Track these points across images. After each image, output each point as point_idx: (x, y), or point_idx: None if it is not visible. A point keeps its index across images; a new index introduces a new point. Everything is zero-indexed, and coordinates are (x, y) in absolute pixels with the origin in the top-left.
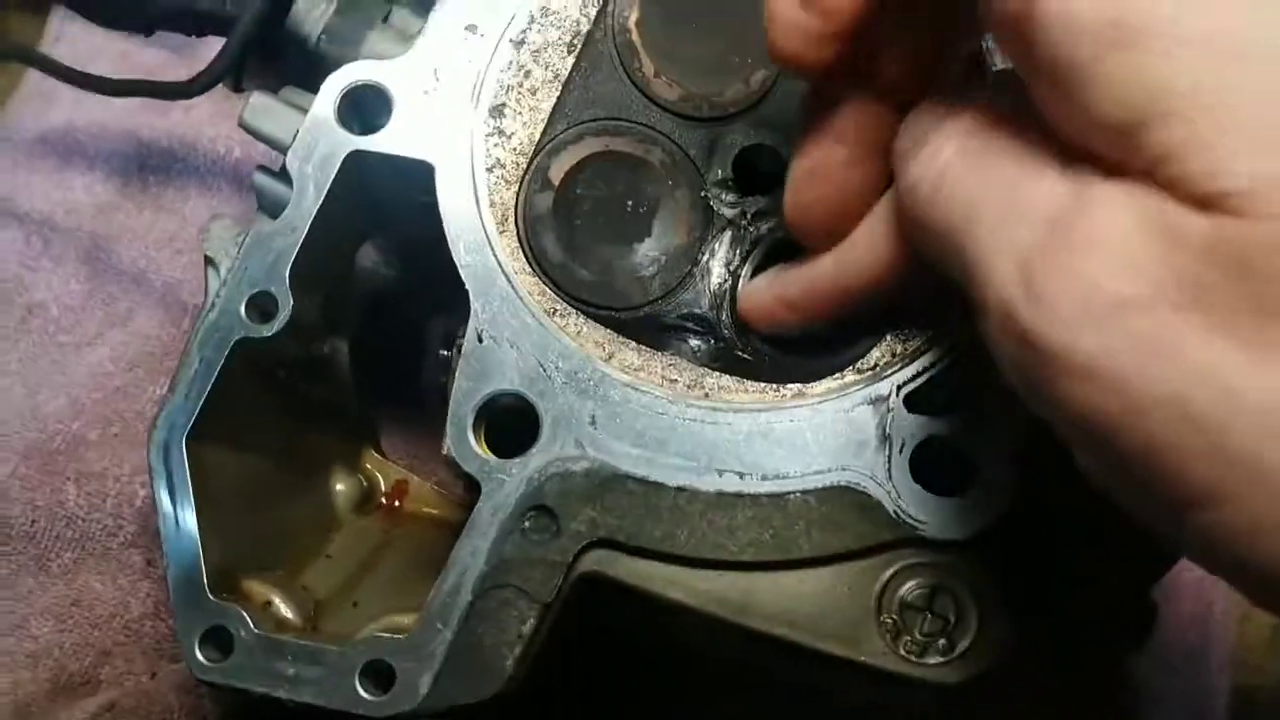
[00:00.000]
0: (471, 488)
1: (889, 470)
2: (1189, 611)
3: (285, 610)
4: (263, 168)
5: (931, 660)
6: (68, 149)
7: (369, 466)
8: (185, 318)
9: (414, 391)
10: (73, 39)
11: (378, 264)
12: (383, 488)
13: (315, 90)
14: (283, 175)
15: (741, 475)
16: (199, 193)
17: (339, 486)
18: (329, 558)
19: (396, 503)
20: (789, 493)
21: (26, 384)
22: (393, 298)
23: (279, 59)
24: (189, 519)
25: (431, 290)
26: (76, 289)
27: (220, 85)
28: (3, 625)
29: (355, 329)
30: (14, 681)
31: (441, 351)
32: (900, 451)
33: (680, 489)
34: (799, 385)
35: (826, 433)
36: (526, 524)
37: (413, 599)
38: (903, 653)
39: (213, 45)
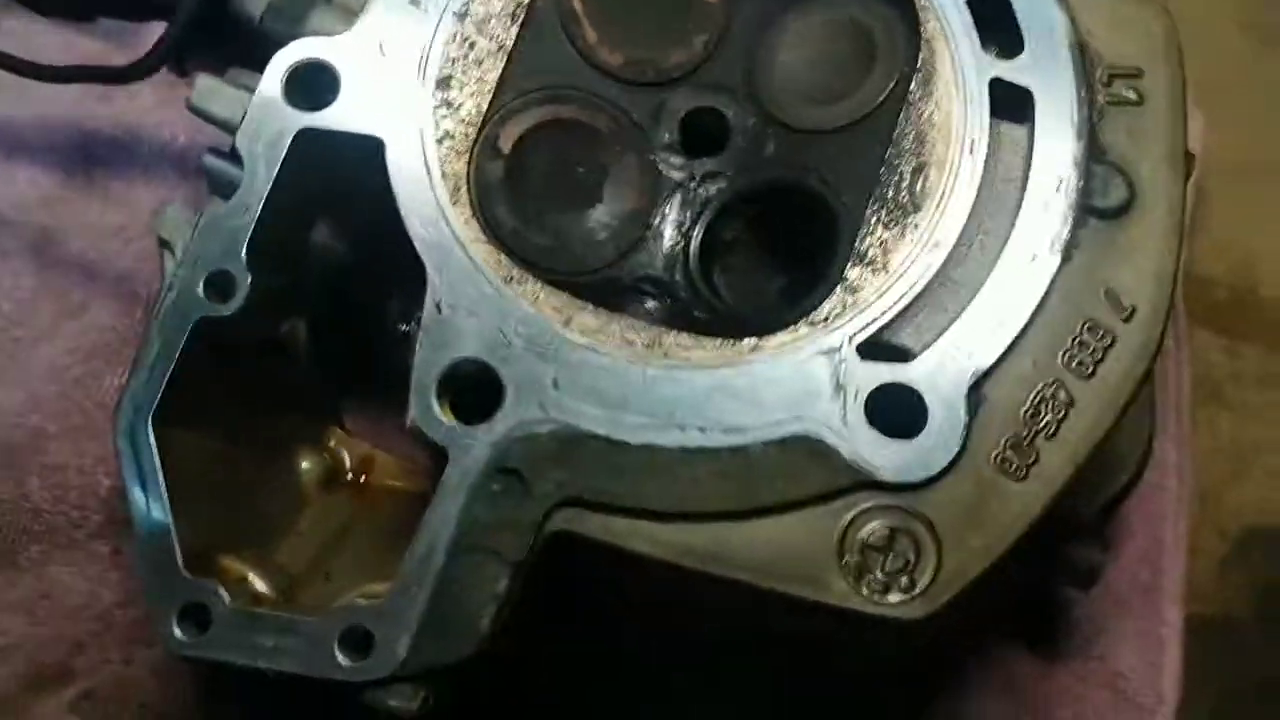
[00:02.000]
0: (438, 459)
1: (844, 418)
2: (1140, 547)
3: (260, 585)
4: (213, 149)
5: (894, 598)
6: (9, 142)
7: (333, 444)
8: (140, 307)
9: (374, 369)
10: (9, 31)
11: (332, 242)
12: (348, 464)
13: (261, 70)
14: (233, 156)
15: (703, 430)
16: (146, 182)
17: (304, 464)
18: (300, 535)
19: (363, 478)
20: (749, 444)
21: None
22: (349, 276)
23: (223, 40)
24: (159, 499)
25: (387, 267)
26: (27, 283)
27: (164, 71)
28: None
29: (313, 308)
30: None
31: (400, 326)
32: (854, 399)
33: (644, 446)
34: (754, 340)
35: (782, 385)
36: (495, 487)
37: (384, 570)
38: (866, 592)
39: (155, 35)
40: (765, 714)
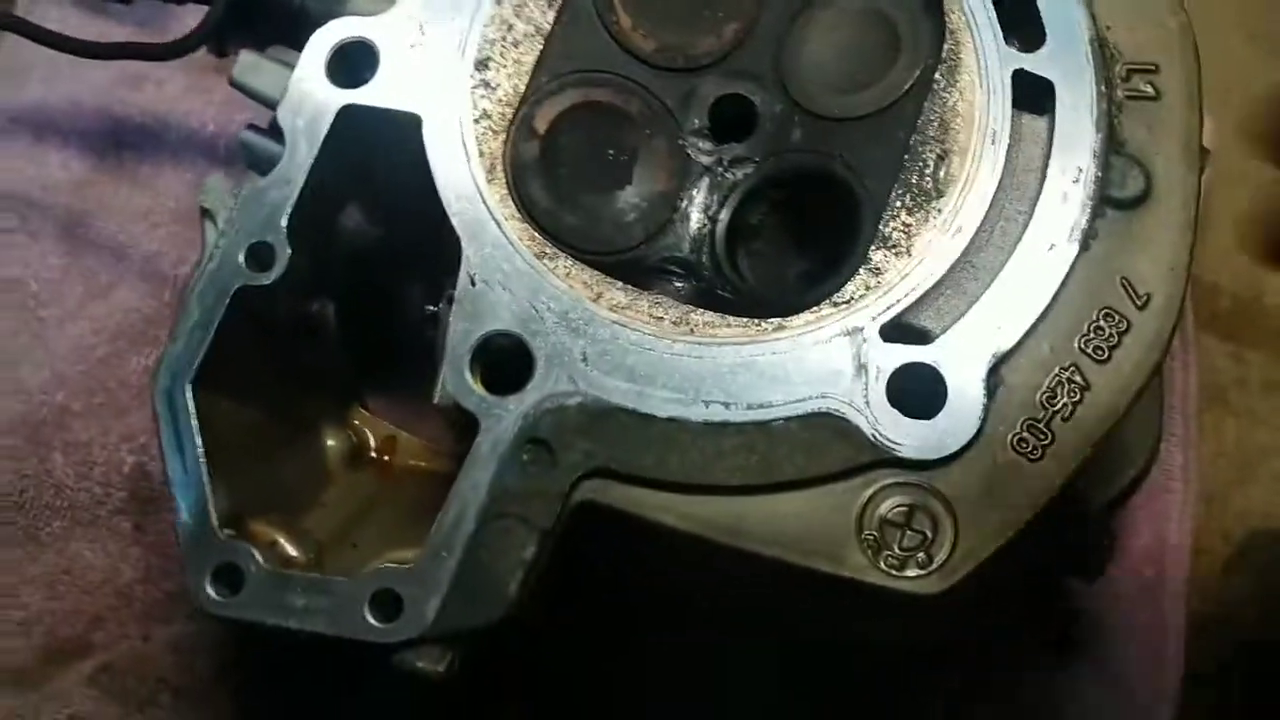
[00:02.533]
0: (464, 436)
1: (866, 396)
2: (1145, 546)
3: (290, 549)
4: (252, 125)
5: (910, 573)
6: (41, 126)
7: (357, 423)
8: (166, 289)
9: (398, 355)
10: (44, 18)
11: (361, 227)
12: (372, 443)
13: (301, 49)
14: (271, 132)
15: (727, 405)
16: (174, 167)
17: (330, 442)
18: (325, 506)
19: (386, 457)
20: (773, 420)
21: (8, 359)
22: (376, 261)
23: (263, 20)
24: (196, 460)
25: (415, 251)
26: (55, 264)
27: (193, 60)
28: None
29: (341, 290)
30: (5, 649)
31: (428, 307)
32: (876, 379)
33: (670, 419)
34: (779, 319)
35: (806, 363)
36: (525, 457)
37: (410, 542)
38: (883, 567)
39: (187, 23)
40: (774, 698)
